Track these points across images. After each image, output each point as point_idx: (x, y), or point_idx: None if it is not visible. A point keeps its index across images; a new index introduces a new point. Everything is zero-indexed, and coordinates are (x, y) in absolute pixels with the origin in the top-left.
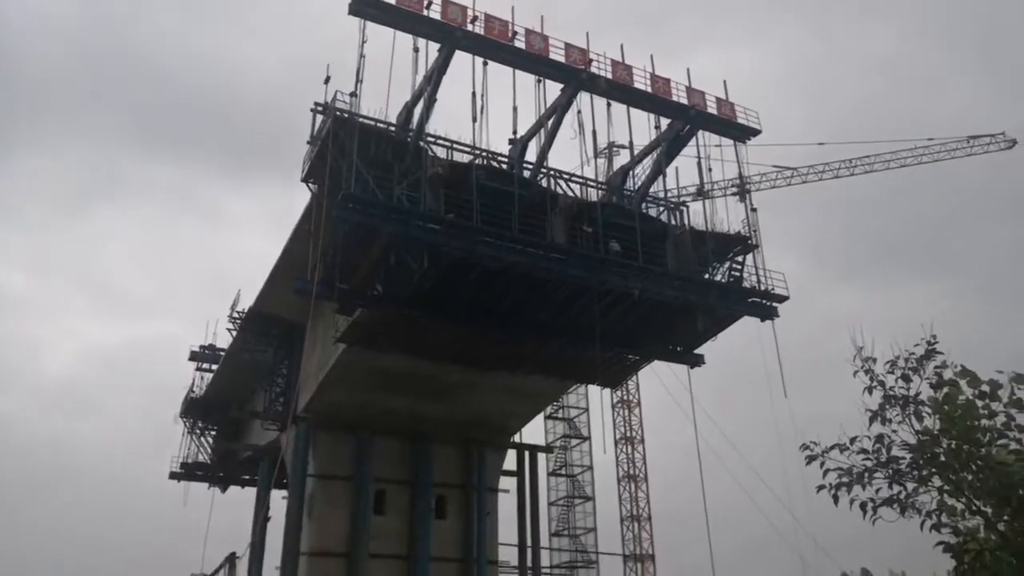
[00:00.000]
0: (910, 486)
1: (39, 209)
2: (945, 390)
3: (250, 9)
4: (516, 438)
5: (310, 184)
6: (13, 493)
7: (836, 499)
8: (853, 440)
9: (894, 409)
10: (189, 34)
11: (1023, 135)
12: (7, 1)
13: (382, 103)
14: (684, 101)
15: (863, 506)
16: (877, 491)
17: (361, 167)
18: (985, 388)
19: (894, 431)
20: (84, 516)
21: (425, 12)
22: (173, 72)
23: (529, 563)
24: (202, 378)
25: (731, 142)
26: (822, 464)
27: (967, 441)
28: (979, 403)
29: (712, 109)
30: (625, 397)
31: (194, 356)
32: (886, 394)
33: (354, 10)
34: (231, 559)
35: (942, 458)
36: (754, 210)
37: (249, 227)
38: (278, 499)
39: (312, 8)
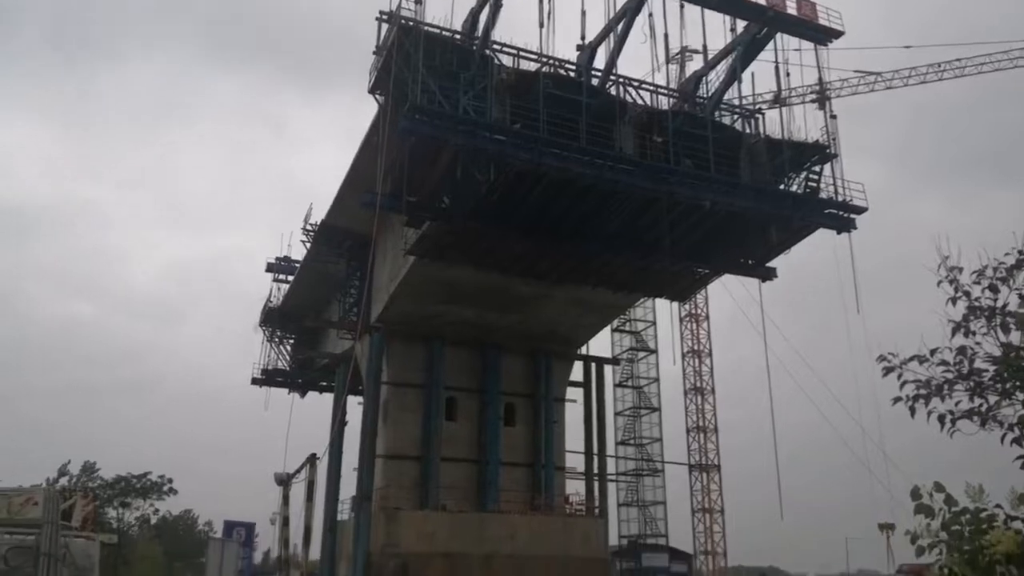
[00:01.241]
0: (992, 399)
1: (122, 123)
2: None
3: None
4: (583, 350)
5: (377, 95)
6: (104, 398)
7: (913, 411)
8: (934, 352)
9: (979, 321)
10: None
11: None
12: None
13: (447, 10)
14: (762, 1)
15: (941, 418)
16: (957, 404)
17: (427, 77)
18: None
19: (978, 343)
20: (173, 419)
21: None
22: None
23: (596, 470)
24: (279, 289)
25: (811, 45)
26: (899, 376)
27: None
28: None
29: (792, 9)
30: (693, 311)
31: (270, 268)
32: (971, 305)
33: None
34: (311, 460)
35: None
36: (834, 117)
37: (321, 140)
38: (354, 405)
39: None
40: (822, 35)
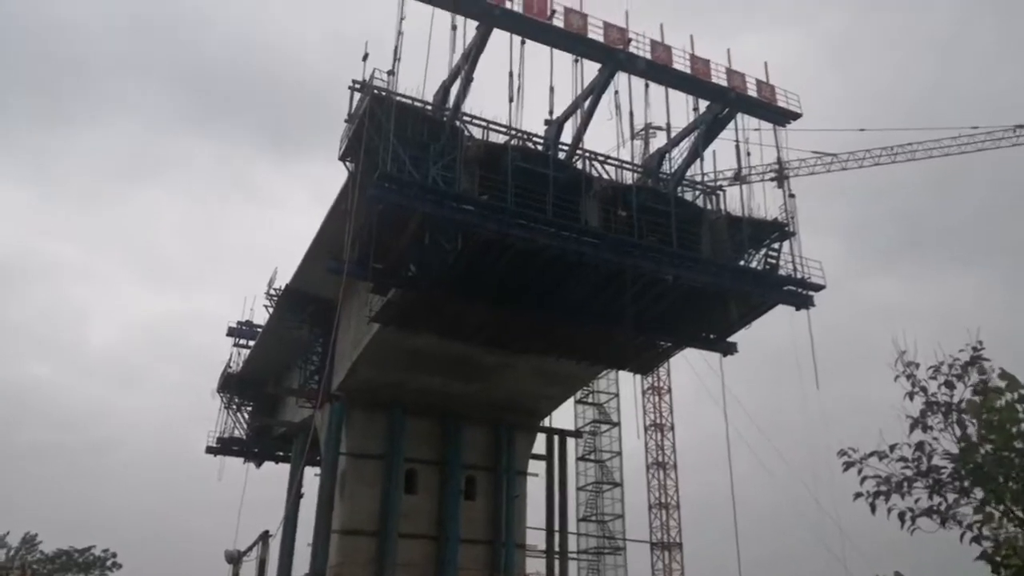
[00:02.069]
0: (951, 497)
1: (90, 182)
2: (982, 388)
3: None
4: (546, 422)
5: (347, 162)
6: (53, 462)
7: (873, 508)
8: (893, 448)
9: (936, 416)
10: (235, 11)
11: None
12: None
13: (419, 81)
14: (724, 83)
15: (901, 516)
16: (916, 501)
17: (397, 146)
18: None
19: (935, 439)
20: (122, 488)
21: None
22: (219, 49)
23: (557, 547)
24: (239, 354)
25: (770, 126)
26: (860, 471)
27: (1007, 448)
28: (1019, 407)
29: (752, 91)
30: (656, 383)
31: (231, 332)
32: (928, 400)
33: None
34: (264, 537)
35: (984, 468)
36: (792, 196)
37: (291, 204)
38: (311, 476)
39: None
40: (781, 117)
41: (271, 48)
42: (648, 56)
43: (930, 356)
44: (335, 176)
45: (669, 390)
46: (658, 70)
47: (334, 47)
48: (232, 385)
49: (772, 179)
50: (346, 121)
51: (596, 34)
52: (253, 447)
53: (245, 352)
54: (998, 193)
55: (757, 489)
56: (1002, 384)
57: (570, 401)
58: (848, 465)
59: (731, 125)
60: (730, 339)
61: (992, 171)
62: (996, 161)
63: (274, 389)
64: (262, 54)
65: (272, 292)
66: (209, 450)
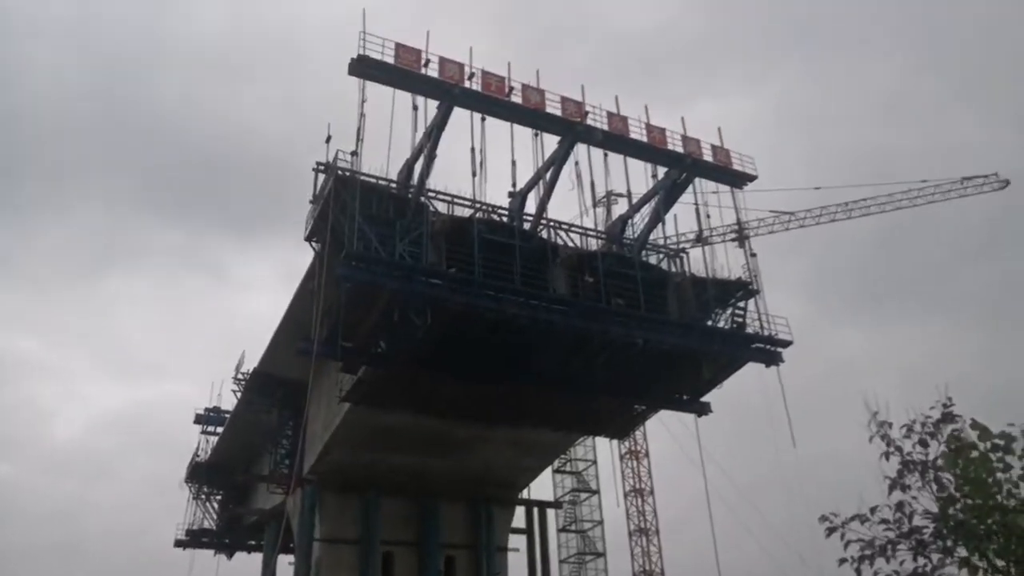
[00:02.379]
0: (935, 557)
1: (51, 273)
2: (961, 440)
3: (258, 70)
4: (524, 494)
5: (313, 243)
6: (20, 565)
7: (859, 573)
8: (873, 510)
9: (913, 475)
10: (198, 97)
11: (1017, 175)
12: (23, 70)
13: (383, 160)
14: (680, 149)
15: None
16: (901, 563)
17: (363, 225)
18: (998, 441)
19: (914, 498)
20: None
21: (423, 71)
22: (181, 135)
23: None
24: (207, 441)
25: (728, 188)
26: (843, 536)
27: (983, 496)
28: (993, 456)
29: (708, 156)
30: (633, 448)
31: (199, 419)
32: (904, 460)
33: (353, 70)
34: None
35: (965, 524)
36: (753, 255)
37: (258, 287)
38: (285, 565)
39: (318, 68)
40: (737, 179)
41: (237, 131)
42: (605, 127)
43: (900, 410)
44: (303, 257)
45: (647, 454)
46: (615, 140)
47: (298, 128)
48: (200, 474)
49: (733, 239)
50: (311, 202)
51: (554, 108)
52: (224, 538)
53: (214, 439)
54: (954, 243)
55: (741, 549)
56: (974, 435)
57: (548, 471)
58: (831, 531)
59: (690, 189)
60: (704, 399)
61: (946, 222)
62: (949, 212)
63: (244, 476)
64: (224, 136)
65: (240, 376)
66: (178, 543)
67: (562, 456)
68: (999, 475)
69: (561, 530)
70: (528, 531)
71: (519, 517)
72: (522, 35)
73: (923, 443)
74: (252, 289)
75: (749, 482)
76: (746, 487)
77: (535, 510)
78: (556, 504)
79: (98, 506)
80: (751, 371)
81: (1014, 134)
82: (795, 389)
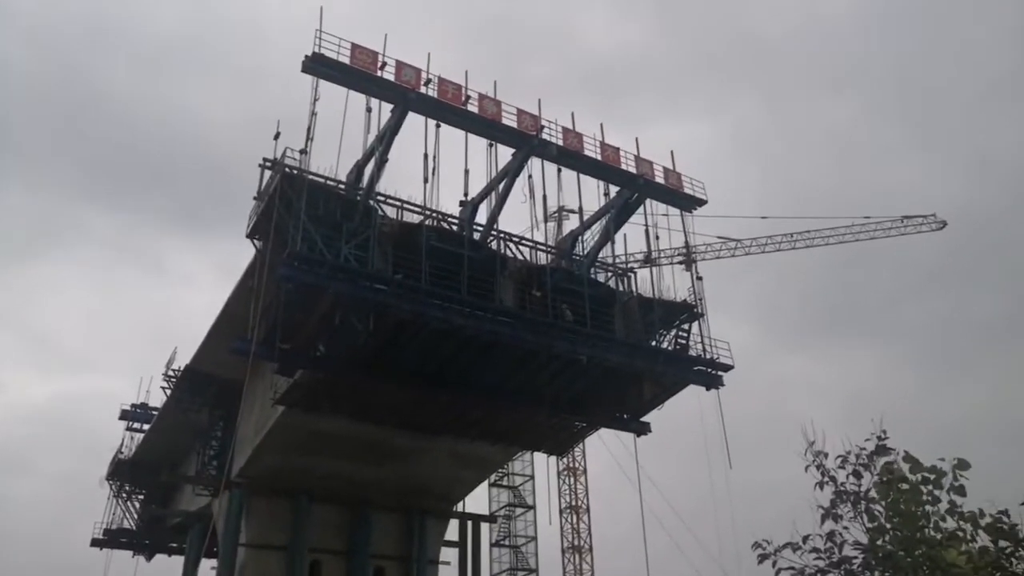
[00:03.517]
0: None
1: None
2: (893, 473)
3: (210, 64)
4: (459, 506)
5: (255, 240)
6: None
7: None
8: (805, 539)
9: (845, 506)
10: (147, 85)
11: (956, 216)
12: None
13: (333, 161)
14: (633, 170)
15: None
16: None
17: (308, 225)
18: (928, 475)
19: (846, 528)
20: None
21: (379, 73)
22: (128, 124)
23: None
24: (132, 438)
25: (678, 211)
26: (774, 564)
27: (911, 528)
28: (924, 489)
29: (660, 178)
30: (572, 464)
31: (125, 415)
32: (837, 490)
33: (307, 68)
34: None
35: (891, 553)
36: (700, 278)
37: (197, 282)
38: (207, 569)
39: (273, 65)
40: (687, 203)
41: (186, 124)
42: (560, 142)
43: (837, 439)
44: (246, 254)
45: (585, 471)
46: (570, 156)
47: (250, 124)
48: (123, 472)
49: (680, 262)
50: (255, 199)
51: (510, 120)
52: (144, 539)
53: (139, 437)
54: (897, 276)
55: (675, 571)
56: (907, 467)
57: (484, 484)
58: (763, 557)
59: (641, 210)
60: (644, 419)
61: (891, 256)
62: (894, 248)
63: (169, 476)
64: (171, 126)
65: (171, 372)
66: (95, 543)
67: (499, 470)
68: (927, 508)
69: (494, 544)
70: (461, 544)
71: (452, 530)
72: (490, 48)
73: (857, 474)
74: (190, 284)
75: (687, 505)
76: (684, 510)
77: (469, 523)
78: (491, 518)
79: (11, 501)
80: (693, 394)
81: (960, 178)
82: (736, 414)
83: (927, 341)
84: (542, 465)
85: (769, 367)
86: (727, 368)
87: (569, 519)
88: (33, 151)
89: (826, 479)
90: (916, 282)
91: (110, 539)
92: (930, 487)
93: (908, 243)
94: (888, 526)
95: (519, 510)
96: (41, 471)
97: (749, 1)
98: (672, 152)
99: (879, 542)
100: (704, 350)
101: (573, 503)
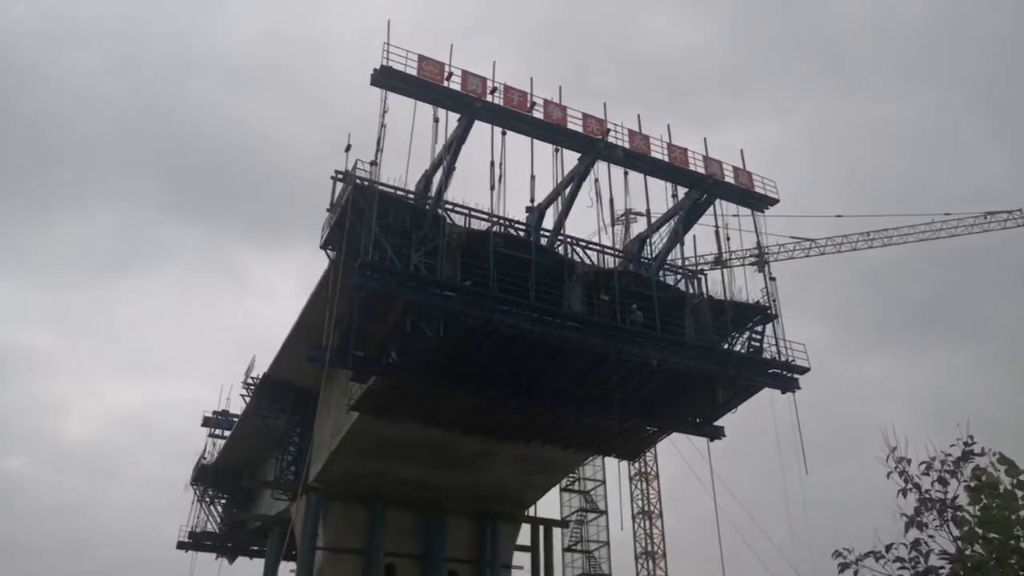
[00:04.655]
0: None
1: (72, 270)
2: (984, 478)
3: (286, 80)
4: (531, 511)
5: (328, 251)
6: (29, 561)
7: None
8: (889, 548)
9: (931, 514)
10: (225, 103)
11: None
12: (54, 73)
13: (402, 171)
14: (701, 170)
15: None
16: None
17: (379, 234)
18: None
19: (931, 537)
20: None
21: (445, 83)
22: (208, 140)
23: None
24: (214, 444)
25: (749, 211)
26: (856, 573)
27: (1006, 535)
28: (1019, 493)
29: (729, 178)
30: (643, 469)
31: (207, 422)
32: (921, 497)
33: (376, 81)
34: None
35: (981, 563)
36: (772, 279)
37: (277, 293)
38: (286, 572)
39: (344, 80)
40: (758, 202)
41: (258, 136)
42: (627, 145)
43: (919, 445)
44: (321, 264)
45: (657, 476)
46: (636, 159)
47: (325, 137)
48: (206, 477)
49: (752, 263)
50: (328, 210)
51: (575, 125)
52: (227, 542)
53: (221, 443)
54: (984, 275)
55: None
56: (999, 471)
57: (555, 489)
58: (844, 567)
59: (710, 211)
60: (717, 423)
61: (977, 254)
62: (980, 244)
63: (249, 481)
64: (249, 142)
65: (250, 381)
66: (180, 545)
67: (570, 475)
68: (1022, 513)
69: (566, 549)
70: (533, 549)
71: (524, 534)
72: (555, 54)
73: (942, 481)
74: (271, 295)
75: (760, 508)
76: (757, 513)
77: (541, 528)
78: (562, 523)
79: (104, 505)
80: (770, 397)
81: None
82: (813, 419)
83: (1015, 341)
84: (614, 470)
85: (846, 370)
86: (803, 371)
87: (642, 524)
88: (118, 170)
89: (910, 486)
90: (1004, 281)
91: (195, 541)
92: None
93: (995, 240)
94: (979, 531)
95: (591, 515)
96: (130, 476)
97: None
98: (742, 151)
99: (968, 551)
100: (779, 352)
101: (646, 508)
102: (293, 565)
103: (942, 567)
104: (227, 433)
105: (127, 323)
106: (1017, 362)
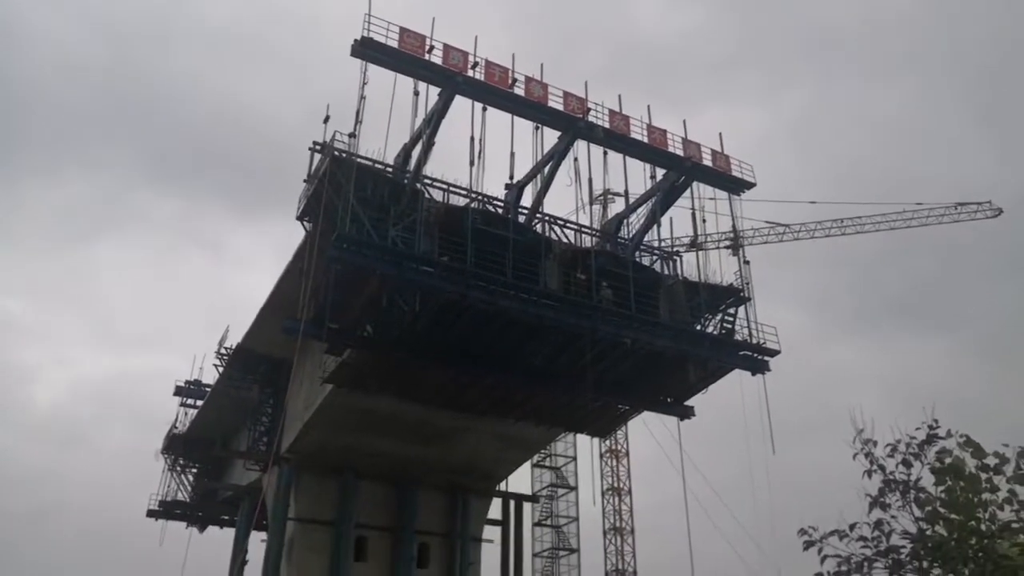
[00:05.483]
0: None
1: (42, 237)
2: (949, 460)
3: (267, 50)
4: (502, 486)
5: (305, 222)
6: None
7: None
8: (852, 527)
9: (894, 495)
10: (205, 72)
11: (1013, 203)
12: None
13: (381, 144)
14: (680, 152)
15: None
16: None
17: (357, 207)
18: (989, 461)
19: (894, 517)
20: (67, 552)
21: (427, 56)
22: (186, 110)
23: None
24: (186, 414)
25: (725, 195)
26: (820, 551)
27: (967, 516)
28: (983, 476)
29: (707, 161)
30: (614, 447)
31: (179, 391)
32: (886, 479)
33: (356, 52)
34: None
35: (941, 543)
36: (747, 263)
37: (254, 264)
38: (257, 541)
39: (327, 51)
40: (735, 186)
41: (239, 106)
42: (607, 125)
43: (886, 428)
44: (299, 235)
45: (627, 453)
46: (616, 139)
47: (305, 108)
48: (177, 446)
49: (727, 247)
50: (305, 181)
51: (556, 103)
52: (197, 511)
53: (193, 413)
54: (957, 264)
55: (714, 553)
56: (967, 453)
57: (527, 465)
58: (808, 544)
59: (687, 193)
60: (687, 403)
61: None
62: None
63: (221, 451)
64: (230, 112)
65: (223, 351)
66: (150, 513)
67: (542, 451)
68: (985, 495)
69: (536, 524)
70: (504, 523)
71: (495, 508)
72: (542, 32)
73: (907, 463)
74: (247, 266)
75: (727, 488)
76: (724, 493)
77: (512, 503)
78: (533, 498)
79: (73, 473)
80: (742, 379)
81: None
82: (784, 402)
83: (986, 331)
84: (585, 447)
85: (820, 355)
86: (773, 353)
87: (611, 500)
88: (95, 137)
89: (875, 468)
90: (977, 272)
91: (165, 510)
92: (990, 474)
93: (969, 230)
94: (943, 511)
95: (561, 491)
96: (99, 445)
97: None
98: (720, 134)
99: (928, 532)
100: (750, 335)
101: (615, 485)
102: (264, 535)
103: (903, 546)
104: (199, 403)
105: (100, 292)
106: (987, 349)
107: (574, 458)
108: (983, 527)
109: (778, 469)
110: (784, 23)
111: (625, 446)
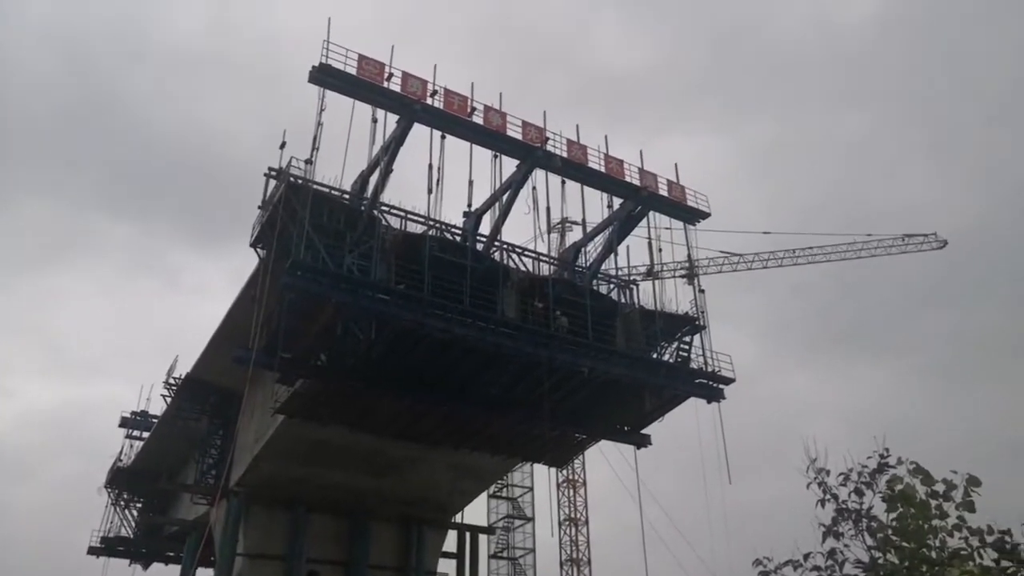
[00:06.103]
0: None
1: None
2: (900, 487)
3: (226, 75)
4: (458, 517)
5: (258, 249)
6: None
7: None
8: (807, 556)
9: (847, 523)
10: (165, 97)
11: (964, 232)
12: None
13: (338, 171)
14: (637, 182)
15: None
16: None
17: (312, 234)
18: (939, 488)
19: (846, 546)
20: None
21: (385, 84)
22: (144, 135)
23: None
24: (131, 446)
25: (681, 225)
26: None
27: (918, 543)
28: (932, 503)
29: (663, 191)
30: (571, 476)
31: (125, 422)
32: (839, 508)
33: (314, 79)
34: None
35: (893, 572)
36: (702, 292)
37: (209, 290)
38: None
39: (289, 76)
40: (690, 216)
41: (199, 130)
42: (564, 154)
43: (840, 456)
44: (255, 262)
45: (584, 483)
46: (574, 168)
47: (265, 134)
48: (121, 480)
49: (683, 275)
50: (259, 208)
51: (515, 132)
52: (141, 547)
53: (139, 444)
54: (905, 294)
55: None
56: (917, 480)
57: (483, 496)
58: (764, 575)
59: (644, 222)
60: (644, 431)
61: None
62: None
63: (167, 484)
64: (189, 135)
65: (171, 381)
66: (92, 551)
67: (499, 481)
68: (935, 522)
69: (492, 556)
70: (459, 556)
71: (451, 541)
72: (502, 60)
73: (859, 492)
74: (202, 293)
75: (688, 519)
76: (685, 524)
77: (468, 535)
78: (489, 530)
79: (13, 507)
80: (694, 408)
81: (968, 193)
82: (739, 430)
83: (934, 357)
84: (542, 477)
85: (774, 383)
86: (728, 381)
87: (568, 531)
88: (48, 160)
89: (828, 496)
90: (922, 299)
91: (107, 547)
92: (939, 501)
93: (915, 260)
94: (895, 539)
95: (518, 522)
96: (44, 478)
97: (762, 18)
98: (676, 165)
99: (881, 560)
100: (705, 363)
101: (572, 515)
102: (211, 572)
103: (856, 575)
104: (146, 435)
105: (50, 320)
106: (933, 376)
107: (531, 488)
108: (933, 554)
109: (737, 498)
110: (739, 52)
111: (582, 476)
